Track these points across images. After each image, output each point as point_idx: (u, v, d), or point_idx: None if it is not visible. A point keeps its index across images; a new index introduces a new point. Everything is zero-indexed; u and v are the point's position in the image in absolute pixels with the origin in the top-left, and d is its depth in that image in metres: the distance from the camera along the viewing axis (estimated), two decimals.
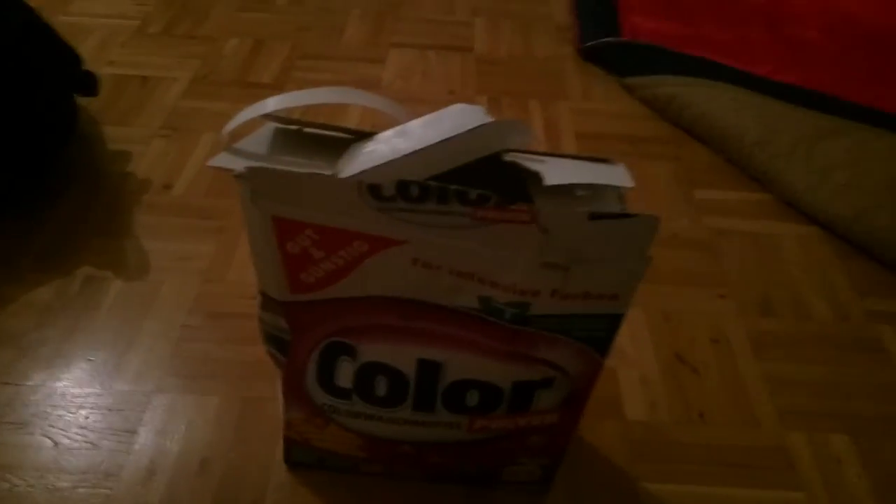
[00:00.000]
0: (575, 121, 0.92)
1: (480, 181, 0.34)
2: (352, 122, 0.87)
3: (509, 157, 0.34)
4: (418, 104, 0.93)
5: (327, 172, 0.34)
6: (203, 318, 0.65)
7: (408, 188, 0.32)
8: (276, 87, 0.94)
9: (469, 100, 0.94)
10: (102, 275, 0.68)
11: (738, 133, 0.86)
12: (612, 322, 0.38)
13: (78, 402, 0.58)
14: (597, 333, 0.39)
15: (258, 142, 0.37)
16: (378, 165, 0.33)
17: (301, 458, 0.53)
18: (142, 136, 0.85)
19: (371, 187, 0.32)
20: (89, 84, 0.76)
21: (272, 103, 0.37)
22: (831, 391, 0.61)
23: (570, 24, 1.10)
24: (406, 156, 0.33)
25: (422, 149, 0.33)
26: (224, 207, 0.76)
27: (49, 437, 0.55)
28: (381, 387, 0.44)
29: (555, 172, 0.33)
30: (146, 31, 1.03)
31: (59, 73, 0.74)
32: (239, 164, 0.34)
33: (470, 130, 0.33)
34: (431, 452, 0.49)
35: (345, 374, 0.45)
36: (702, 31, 1.06)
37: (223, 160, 0.35)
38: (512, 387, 0.42)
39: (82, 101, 0.87)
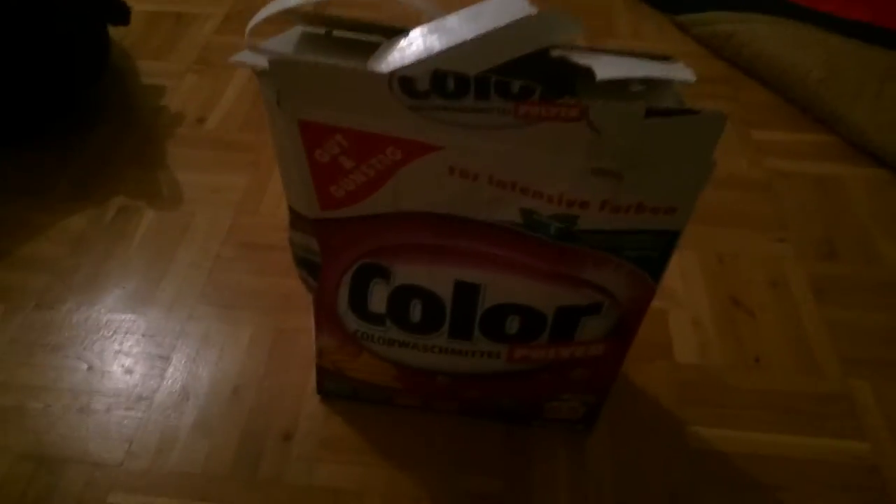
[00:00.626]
0: None
1: (526, 80, 0.31)
2: None
3: (557, 53, 0.30)
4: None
5: (365, 66, 0.31)
6: (236, 248, 0.63)
7: (444, 81, 0.29)
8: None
9: None
10: (136, 205, 0.67)
11: (802, 71, 0.80)
12: (668, 240, 0.35)
13: (112, 327, 0.57)
14: (650, 253, 0.35)
15: (283, 43, 0.35)
16: (411, 64, 0.30)
17: (334, 388, 0.52)
18: (175, 70, 0.83)
19: (403, 81, 0.29)
20: (121, 13, 0.75)
21: None
22: None
23: None
24: (441, 52, 0.30)
25: (459, 44, 0.30)
26: (258, 141, 0.74)
27: (83, 360, 0.55)
28: (416, 312, 0.42)
29: (608, 67, 0.29)
30: None
31: (91, 2, 0.72)
32: (261, 61, 0.32)
33: (512, 23, 0.29)
34: (469, 384, 0.47)
35: (378, 299, 0.42)
36: None
37: (246, 56, 0.33)
38: (555, 312, 0.39)
39: (117, 36, 0.86)
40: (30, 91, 0.69)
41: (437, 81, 0.30)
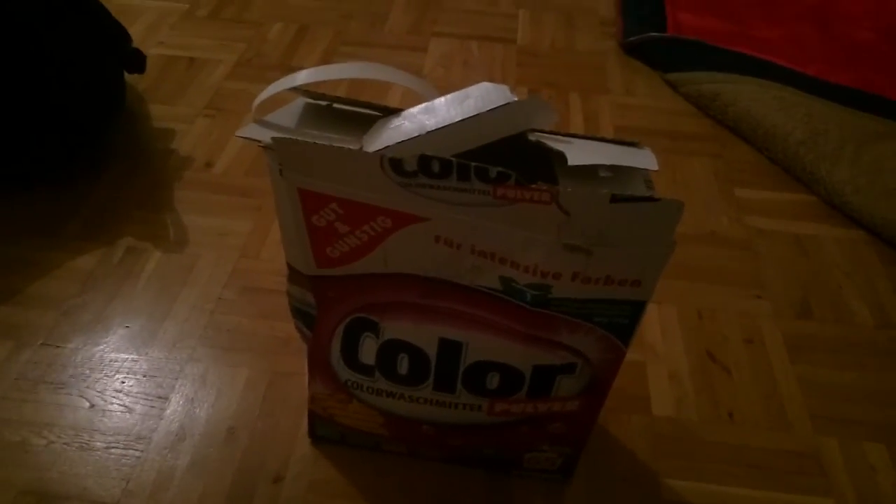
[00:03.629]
0: (615, 115, 0.91)
1: (507, 161, 0.34)
2: (392, 103, 0.87)
3: (534, 137, 0.34)
4: None
5: (353, 147, 0.34)
6: (237, 292, 0.66)
7: (429, 163, 0.32)
8: None
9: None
10: (143, 246, 0.70)
11: (784, 132, 0.83)
12: (635, 309, 0.38)
13: (115, 366, 0.60)
14: (619, 320, 0.38)
15: (287, 115, 0.38)
16: (402, 141, 0.33)
17: (325, 432, 0.54)
18: (186, 115, 0.87)
19: (393, 161, 0.33)
20: (137, 61, 0.79)
21: (303, 76, 0.37)
22: (869, 398, 0.60)
23: (614, 19, 1.09)
24: (430, 133, 0.33)
25: (446, 126, 0.33)
26: (262, 187, 0.77)
27: (86, 399, 0.57)
28: (404, 365, 0.45)
29: (579, 153, 0.32)
30: (195, 14, 1.06)
31: (109, 49, 0.76)
32: (266, 136, 0.35)
33: (494, 109, 0.33)
34: (452, 434, 0.49)
35: (368, 351, 0.45)
36: (749, 28, 1.04)
37: (251, 131, 0.36)
38: (532, 370, 0.42)
39: (131, 79, 0.90)
40: (46, 135, 0.72)
41: (423, 163, 0.33)
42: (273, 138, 0.34)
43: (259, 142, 0.36)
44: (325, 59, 0.98)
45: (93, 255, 0.69)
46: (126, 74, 0.82)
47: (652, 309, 0.66)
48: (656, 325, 0.65)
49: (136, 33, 1.01)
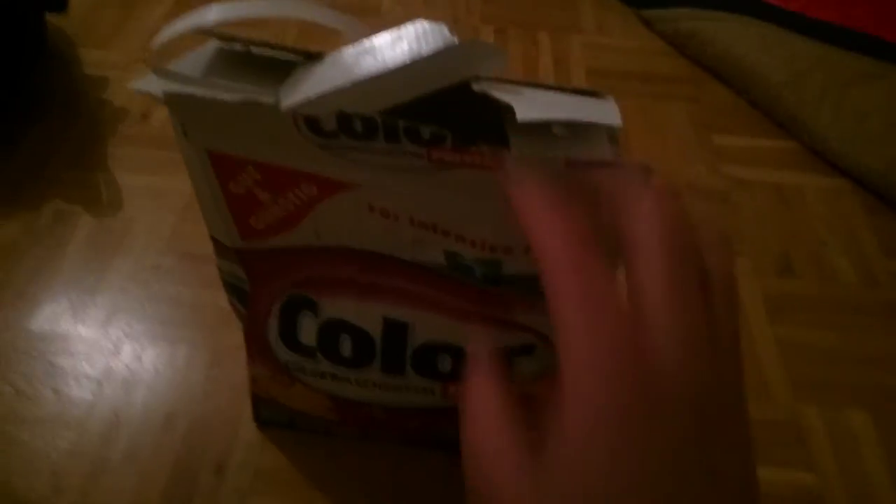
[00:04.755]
0: (587, 55, 0.85)
1: (450, 116, 0.29)
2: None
3: (479, 87, 0.28)
4: None
5: (268, 100, 0.29)
6: (177, 258, 0.61)
7: (351, 122, 0.27)
8: None
9: (473, 29, 0.87)
10: (72, 210, 0.64)
11: (765, 73, 0.78)
12: None
13: (41, 347, 0.55)
14: None
15: (195, 62, 0.32)
16: (322, 94, 0.28)
17: (271, 416, 0.50)
18: (121, 60, 0.79)
19: (309, 120, 0.27)
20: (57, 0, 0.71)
21: (213, 13, 0.31)
22: (851, 361, 0.56)
23: None
24: (357, 83, 0.28)
25: (374, 74, 0.27)
26: None
27: (10, 384, 0.52)
28: (347, 346, 0.40)
29: (530, 106, 0.27)
30: None
31: None
32: (162, 88, 0.29)
33: (432, 53, 0.27)
34: (406, 417, 0.45)
35: (308, 331, 0.41)
36: None
37: (147, 83, 0.30)
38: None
39: (59, 20, 0.82)
40: None
41: (343, 122, 0.27)
42: (166, 92, 0.29)
43: (154, 96, 0.30)
44: None
45: (15, 222, 0.63)
46: (49, 15, 0.74)
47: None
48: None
49: None
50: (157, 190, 0.66)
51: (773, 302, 0.60)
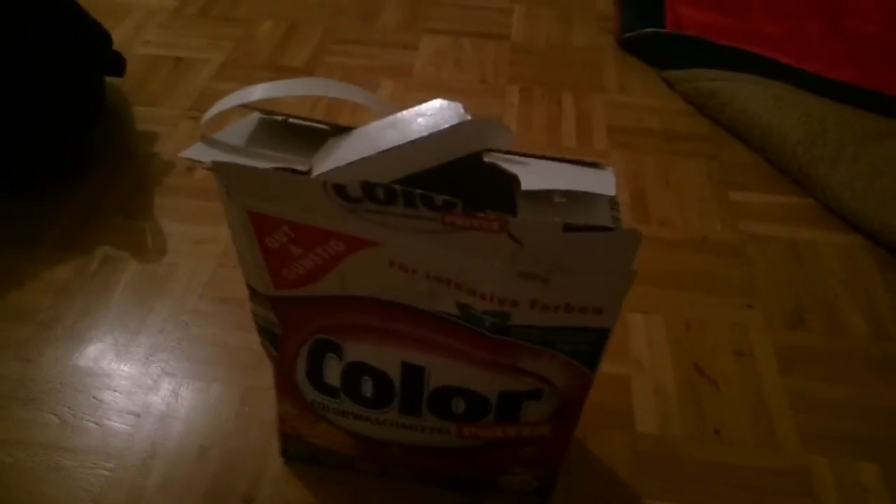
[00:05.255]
0: (609, 114, 0.88)
1: (465, 182, 0.32)
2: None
3: (489, 159, 0.32)
4: (448, 92, 0.91)
5: (302, 168, 0.33)
6: (214, 302, 0.65)
7: (374, 190, 0.31)
8: (307, 72, 0.93)
9: (500, 89, 0.92)
10: (120, 255, 0.69)
11: (781, 132, 0.81)
12: (599, 336, 0.36)
13: (87, 381, 0.59)
14: (583, 347, 0.36)
15: (239, 132, 0.37)
16: (350, 163, 0.31)
17: (296, 452, 0.53)
18: (170, 117, 0.86)
19: (337, 187, 0.31)
20: (117, 65, 0.77)
21: (257, 92, 0.36)
22: (862, 414, 0.57)
23: (612, 14, 1.06)
24: (381, 153, 0.31)
25: (397, 146, 0.31)
26: None
27: (56, 415, 0.56)
28: (368, 387, 0.43)
29: (534, 176, 0.31)
30: (183, 13, 1.04)
31: (89, 52, 0.75)
32: (212, 156, 0.33)
33: (447, 128, 0.31)
34: (423, 456, 0.48)
35: (332, 372, 0.44)
36: (752, 23, 1.01)
37: (196, 151, 0.35)
38: (498, 396, 0.40)
39: (116, 80, 0.89)
40: (25, 141, 0.71)
41: (367, 190, 0.31)
42: (214, 162, 0.33)
43: (204, 164, 0.34)
44: (315, 58, 0.96)
45: (69, 265, 0.68)
46: (109, 77, 0.81)
47: (638, 319, 0.65)
48: (642, 336, 0.63)
49: (124, 32, 1.00)
50: (198, 238, 0.71)
51: (784, 354, 0.62)
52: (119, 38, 0.98)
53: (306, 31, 1.01)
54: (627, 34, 0.99)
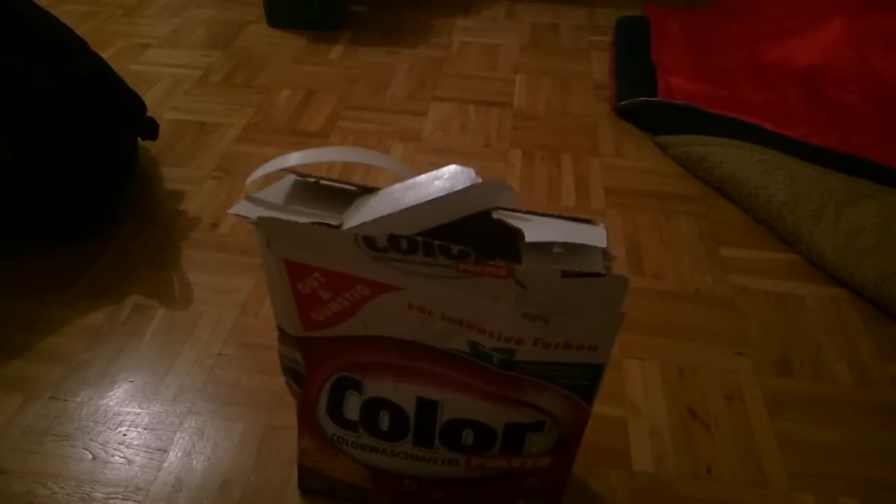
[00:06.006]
0: (605, 176, 0.94)
1: (478, 235, 0.38)
2: (382, 182, 0.92)
3: (497, 215, 0.37)
4: (455, 155, 0.98)
5: (334, 223, 0.38)
6: (237, 348, 0.69)
7: (398, 241, 0.36)
8: (322, 136, 1.00)
9: (503, 153, 0.98)
10: (149, 304, 0.74)
11: (767, 193, 0.87)
12: (595, 372, 0.40)
13: (118, 419, 0.63)
14: (581, 382, 0.41)
15: (277, 192, 0.42)
16: (377, 218, 0.37)
17: (314, 485, 0.56)
18: (196, 176, 0.92)
19: (366, 239, 0.36)
20: (151, 129, 0.84)
21: (293, 158, 0.41)
22: (846, 455, 0.61)
23: (608, 83, 1.14)
24: (403, 210, 0.37)
25: (418, 204, 0.37)
26: None
27: (89, 451, 0.60)
28: (385, 421, 0.47)
29: (535, 230, 0.36)
30: (208, 80, 1.12)
31: (125, 119, 0.82)
32: (255, 213, 0.39)
33: (461, 189, 0.36)
34: (433, 488, 0.51)
35: (352, 408, 0.48)
36: (738, 93, 1.08)
37: (242, 208, 0.40)
38: (504, 428, 0.45)
39: (146, 143, 0.96)
40: (64, 199, 0.77)
41: (392, 241, 0.36)
42: (259, 217, 0.38)
43: (249, 219, 0.40)
44: (329, 123, 1.03)
45: (101, 312, 0.73)
46: (140, 140, 0.87)
47: (634, 365, 0.69)
48: (639, 381, 0.67)
49: (153, 98, 1.07)
50: (222, 288, 0.76)
51: (772, 398, 0.66)
52: (149, 103, 1.05)
53: (322, 98, 1.09)
54: (622, 102, 1.06)
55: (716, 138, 0.96)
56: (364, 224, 0.37)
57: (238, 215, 0.39)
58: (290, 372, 0.52)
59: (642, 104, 1.04)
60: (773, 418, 0.64)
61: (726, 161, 0.92)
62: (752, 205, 0.88)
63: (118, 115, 0.81)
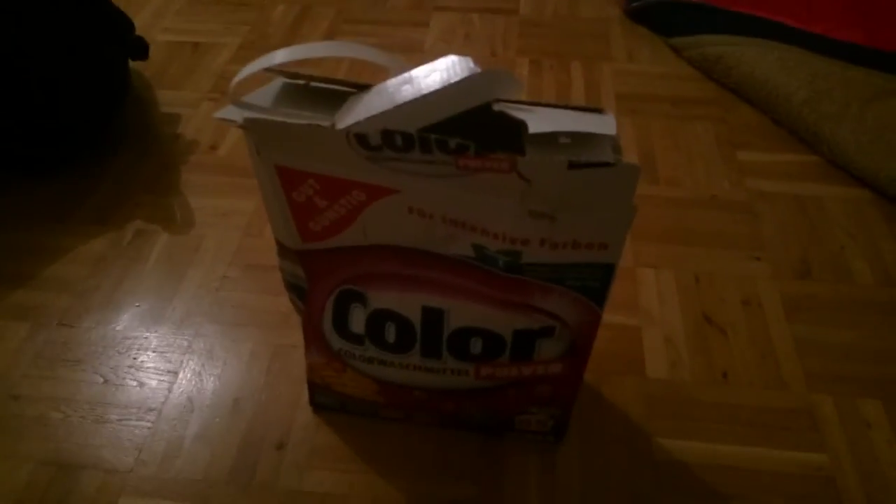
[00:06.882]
0: (617, 82, 0.90)
1: (479, 131, 0.35)
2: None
3: (498, 107, 0.34)
4: None
5: (325, 123, 0.36)
6: (241, 269, 0.68)
7: (392, 137, 0.33)
8: None
9: (510, 62, 0.94)
10: (151, 228, 0.72)
11: (787, 92, 0.82)
12: (605, 272, 0.38)
13: (127, 343, 0.62)
14: (591, 283, 0.39)
15: (265, 95, 0.39)
16: (370, 117, 0.34)
17: (324, 401, 0.56)
18: (192, 99, 0.89)
19: (358, 136, 0.34)
20: (140, 49, 0.80)
21: (279, 56, 0.38)
22: (865, 356, 0.60)
23: None
24: (399, 106, 0.34)
25: (414, 99, 0.34)
26: None
27: (100, 374, 0.60)
28: (391, 333, 0.46)
29: (540, 121, 0.33)
30: None
31: (113, 38, 0.78)
32: (241, 116, 0.36)
33: (458, 81, 0.33)
34: (443, 399, 0.51)
35: (357, 321, 0.47)
36: None
37: (228, 112, 0.37)
38: (513, 335, 0.43)
39: (139, 66, 0.92)
40: (54, 124, 0.75)
41: (386, 138, 0.34)
42: (245, 118, 0.36)
43: (235, 122, 0.37)
44: (328, 38, 0.99)
45: (103, 238, 0.71)
46: (133, 61, 0.84)
47: (649, 274, 0.67)
48: (653, 289, 0.66)
49: (143, 20, 1.03)
50: (224, 210, 0.74)
51: (791, 302, 0.64)
52: (139, 26, 1.01)
53: (319, 12, 1.04)
54: (634, 4, 1.00)
55: (732, 37, 0.91)
56: (357, 123, 0.35)
57: (223, 119, 0.37)
58: (293, 288, 0.51)
59: (654, 4, 0.99)
60: (792, 322, 0.62)
61: (744, 61, 0.87)
62: (770, 106, 0.84)
63: (106, 34, 0.78)
